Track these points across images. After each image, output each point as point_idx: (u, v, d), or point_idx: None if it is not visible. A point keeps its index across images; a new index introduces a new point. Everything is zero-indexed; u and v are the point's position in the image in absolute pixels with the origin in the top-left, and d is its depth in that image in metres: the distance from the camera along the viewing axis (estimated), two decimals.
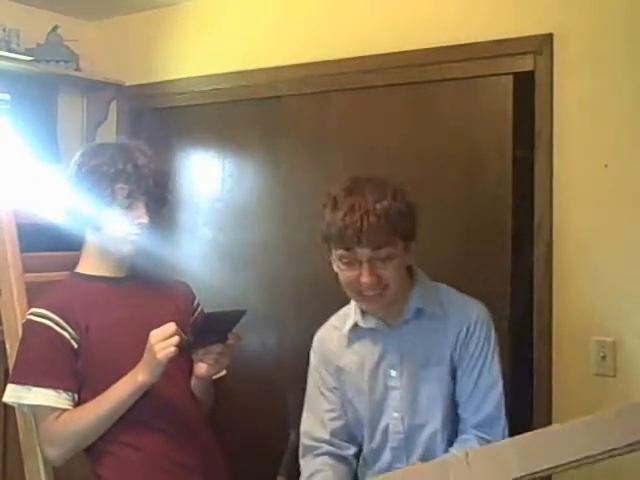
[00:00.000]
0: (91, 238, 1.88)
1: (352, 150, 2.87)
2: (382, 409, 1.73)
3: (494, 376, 1.72)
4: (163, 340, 1.64)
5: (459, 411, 1.74)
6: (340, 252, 1.63)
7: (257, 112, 3.13)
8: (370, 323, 1.74)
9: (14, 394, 1.75)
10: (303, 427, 1.84)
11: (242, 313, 1.68)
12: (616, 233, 2.35)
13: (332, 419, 1.80)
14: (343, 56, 2.84)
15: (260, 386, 3.00)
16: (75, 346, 1.76)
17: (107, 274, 1.88)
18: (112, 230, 1.82)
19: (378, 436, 1.74)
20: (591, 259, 2.38)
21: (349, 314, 1.79)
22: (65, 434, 1.74)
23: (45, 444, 1.78)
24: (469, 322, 1.72)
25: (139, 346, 1.76)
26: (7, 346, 2.16)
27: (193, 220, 3.28)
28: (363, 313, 1.75)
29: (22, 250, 2.20)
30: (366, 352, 1.75)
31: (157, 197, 1.85)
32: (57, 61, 3.25)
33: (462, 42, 2.58)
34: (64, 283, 1.91)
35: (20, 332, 2.12)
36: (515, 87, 2.54)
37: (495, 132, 2.57)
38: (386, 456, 1.74)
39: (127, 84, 3.46)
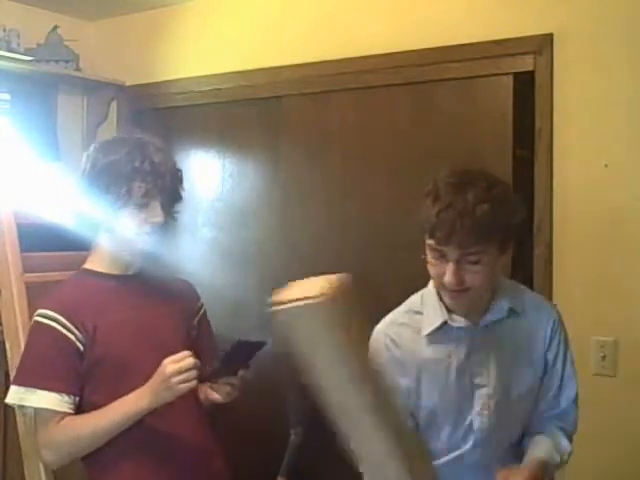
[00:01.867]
0: (103, 235, 1.85)
1: (352, 150, 2.87)
2: (467, 407, 1.70)
3: (573, 366, 1.79)
4: (180, 373, 1.62)
5: (538, 401, 1.76)
6: (431, 244, 1.59)
7: (257, 112, 3.13)
8: (459, 322, 1.69)
9: (17, 396, 1.74)
10: None
11: (263, 344, 1.69)
12: (616, 233, 2.35)
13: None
14: (343, 56, 2.84)
15: (260, 386, 2.99)
16: (81, 348, 1.74)
17: (116, 272, 1.86)
18: (126, 229, 1.78)
19: (460, 433, 1.71)
20: (591, 259, 2.38)
21: (420, 310, 1.74)
22: (62, 440, 1.73)
23: (42, 446, 1.77)
24: (554, 320, 1.74)
25: (144, 346, 1.77)
26: (7, 346, 2.16)
27: (193, 220, 3.28)
28: (449, 311, 1.69)
29: (22, 250, 2.21)
30: (451, 350, 1.70)
31: (172, 195, 1.83)
32: (57, 61, 3.25)
33: (462, 42, 2.58)
34: (72, 281, 1.89)
35: (20, 332, 2.13)
36: (515, 87, 2.54)
37: (495, 132, 2.57)
38: (463, 450, 1.72)
39: (127, 84, 3.46)
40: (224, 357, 1.68)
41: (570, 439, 1.78)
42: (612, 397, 2.35)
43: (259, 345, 1.70)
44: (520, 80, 2.53)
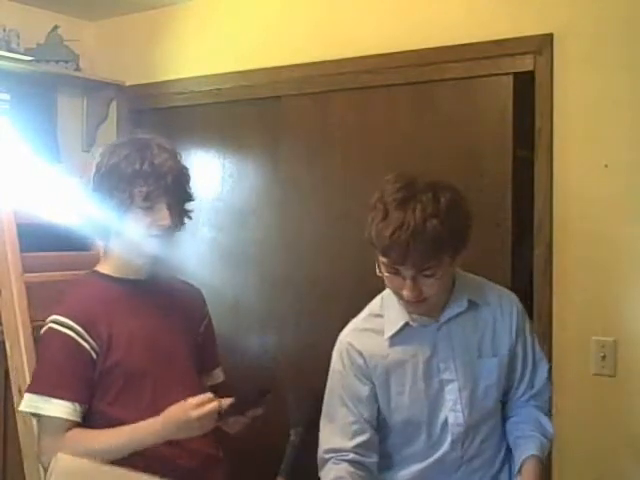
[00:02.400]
0: (113, 239, 1.84)
1: (352, 150, 2.87)
2: (439, 403, 1.72)
3: (540, 347, 1.84)
4: (203, 418, 1.66)
5: (513, 389, 1.81)
6: (384, 261, 1.60)
7: (257, 112, 3.13)
8: (421, 321, 1.72)
9: (31, 404, 1.73)
10: (322, 440, 1.78)
11: (267, 391, 1.78)
12: (616, 233, 2.35)
13: (356, 432, 1.73)
14: (343, 56, 2.84)
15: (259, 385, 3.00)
16: (94, 357, 1.74)
17: (127, 276, 1.85)
18: (134, 232, 1.77)
19: (437, 431, 1.73)
20: (591, 259, 2.38)
21: (381, 313, 1.76)
22: (70, 452, 1.70)
23: (45, 454, 1.74)
24: (517, 308, 1.78)
25: (153, 356, 1.79)
26: (7, 346, 2.16)
27: (193, 220, 3.27)
28: (410, 311, 1.72)
29: (22, 250, 2.21)
30: (416, 349, 1.72)
31: (179, 196, 1.80)
32: (57, 61, 3.25)
33: (462, 42, 2.58)
34: (84, 284, 1.88)
35: (20, 332, 2.13)
36: (515, 87, 2.54)
37: (495, 132, 2.57)
38: (442, 449, 1.73)
39: (127, 84, 3.46)
40: (231, 404, 1.73)
41: (549, 414, 1.84)
42: (612, 397, 2.35)
43: (264, 392, 1.77)
44: (520, 80, 2.53)
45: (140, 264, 1.85)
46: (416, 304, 1.65)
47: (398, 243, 1.53)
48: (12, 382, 2.17)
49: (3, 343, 2.18)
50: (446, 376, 1.71)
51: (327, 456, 1.74)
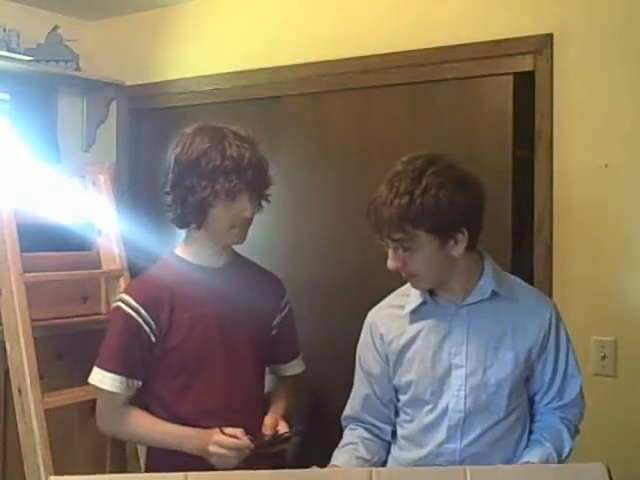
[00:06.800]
0: (194, 228, 1.85)
1: (352, 150, 2.87)
2: (444, 387, 1.73)
3: (577, 363, 1.83)
4: (223, 456, 1.74)
5: (539, 396, 1.82)
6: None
7: (257, 112, 3.13)
8: (440, 301, 1.75)
9: (94, 377, 1.81)
10: (346, 408, 1.89)
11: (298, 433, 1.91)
12: (616, 233, 2.35)
13: (366, 402, 1.83)
14: (343, 56, 2.84)
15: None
16: (153, 339, 1.79)
17: (206, 264, 1.87)
18: (215, 224, 1.81)
19: (436, 413, 1.74)
20: (591, 259, 2.38)
21: (408, 293, 1.79)
22: (119, 426, 1.85)
23: (107, 424, 1.86)
24: (551, 314, 1.78)
25: (214, 346, 1.82)
26: (7, 346, 2.17)
27: None
28: (431, 292, 1.76)
29: (22, 250, 2.21)
30: (430, 327, 1.75)
31: (259, 187, 1.83)
32: (57, 61, 3.25)
33: (462, 42, 2.58)
34: (161, 266, 1.90)
35: (20, 331, 2.13)
36: (515, 87, 2.54)
37: (495, 132, 2.57)
38: (439, 436, 1.74)
39: (127, 84, 3.46)
40: (262, 443, 1.82)
41: (575, 429, 1.85)
42: (612, 397, 2.35)
43: (293, 433, 1.86)
44: (520, 80, 2.53)
45: (220, 251, 1.87)
46: (410, 280, 1.72)
47: (371, 213, 1.67)
48: (12, 382, 2.17)
49: (3, 343, 2.18)
50: (456, 361, 1.72)
51: (344, 423, 1.88)
